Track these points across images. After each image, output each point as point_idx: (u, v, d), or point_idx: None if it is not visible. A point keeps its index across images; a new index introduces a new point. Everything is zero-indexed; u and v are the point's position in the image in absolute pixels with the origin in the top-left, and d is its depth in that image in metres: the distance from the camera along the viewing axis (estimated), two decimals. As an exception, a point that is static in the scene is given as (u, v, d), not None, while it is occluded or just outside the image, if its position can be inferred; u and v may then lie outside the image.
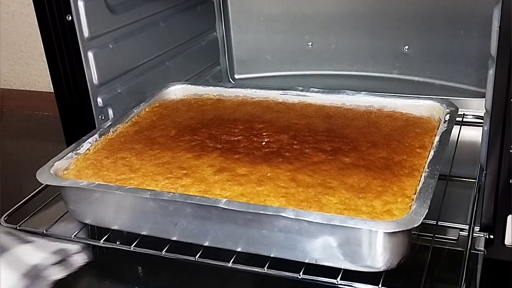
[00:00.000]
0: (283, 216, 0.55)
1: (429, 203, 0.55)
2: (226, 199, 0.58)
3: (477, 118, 0.95)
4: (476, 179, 0.73)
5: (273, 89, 0.85)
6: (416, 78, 1.09)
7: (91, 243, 0.70)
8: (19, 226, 0.71)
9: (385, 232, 0.53)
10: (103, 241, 0.67)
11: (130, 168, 0.67)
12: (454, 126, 0.80)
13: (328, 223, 0.54)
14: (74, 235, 0.69)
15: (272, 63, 1.19)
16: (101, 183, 0.64)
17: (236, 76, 1.22)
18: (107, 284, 0.71)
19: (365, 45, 1.11)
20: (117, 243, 0.67)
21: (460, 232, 0.69)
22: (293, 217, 0.55)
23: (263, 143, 0.70)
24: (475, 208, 0.67)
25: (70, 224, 0.71)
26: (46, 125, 1.24)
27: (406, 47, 1.07)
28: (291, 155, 0.66)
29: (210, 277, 0.67)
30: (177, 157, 0.69)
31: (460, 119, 0.88)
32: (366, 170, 0.62)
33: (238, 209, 0.57)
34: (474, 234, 0.69)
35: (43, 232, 0.70)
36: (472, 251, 0.65)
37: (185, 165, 0.66)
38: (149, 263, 0.70)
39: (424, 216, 0.53)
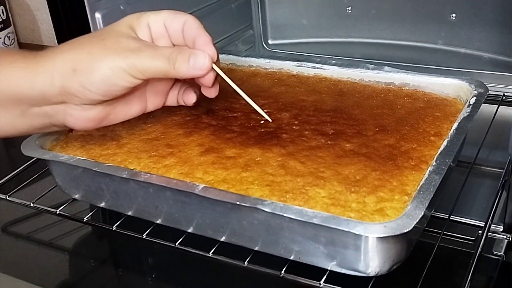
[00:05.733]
0: (259, 209, 0.49)
1: (427, 204, 0.47)
2: (203, 185, 0.53)
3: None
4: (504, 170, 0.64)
5: (288, 60, 0.78)
6: (462, 50, 0.98)
7: (74, 218, 0.66)
8: (8, 196, 0.69)
9: (371, 236, 0.46)
10: (87, 218, 0.64)
11: (118, 142, 0.63)
12: (491, 104, 0.71)
13: (306, 220, 0.47)
14: (60, 210, 0.66)
15: (308, 28, 1.11)
16: (81, 158, 0.60)
17: (270, 42, 1.15)
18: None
19: (408, 12, 1.01)
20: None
21: (479, 232, 0.60)
22: (269, 211, 0.49)
23: (262, 121, 0.63)
24: (495, 204, 0.59)
25: (60, 198, 0.68)
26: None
27: (453, 15, 0.97)
28: (287, 137, 0.60)
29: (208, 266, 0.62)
30: (168, 132, 0.63)
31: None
32: (366, 159, 0.55)
33: (213, 197, 0.51)
34: (495, 235, 0.61)
35: (30, 204, 0.67)
36: (486, 254, 0.57)
37: (173, 143, 0.61)
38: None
39: (418, 220, 0.46)
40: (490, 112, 0.75)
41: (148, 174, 0.56)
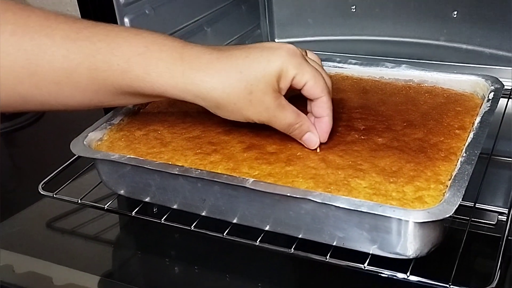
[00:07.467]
0: (308, 199, 0.54)
1: (463, 191, 0.52)
2: (253, 179, 0.58)
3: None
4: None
5: (310, 60, 0.82)
6: (464, 46, 1.04)
7: (123, 213, 0.70)
8: (55, 194, 0.72)
9: (414, 222, 0.51)
10: (135, 212, 0.68)
11: (161, 141, 0.67)
12: (501, 99, 0.76)
13: (355, 209, 0.52)
14: (108, 206, 0.70)
15: (314, 27, 1.16)
16: (132, 156, 0.64)
17: (277, 40, 1.20)
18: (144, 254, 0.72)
19: (411, 10, 1.06)
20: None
21: (499, 217, 0.66)
22: (319, 201, 0.53)
23: (296, 118, 0.68)
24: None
25: (105, 194, 0.72)
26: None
27: (455, 12, 1.02)
28: (323, 133, 0.65)
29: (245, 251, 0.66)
30: (208, 131, 0.68)
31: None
32: (399, 152, 0.60)
33: (264, 190, 0.56)
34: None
35: (78, 201, 0.71)
36: (510, 237, 0.63)
37: (215, 140, 0.66)
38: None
39: (457, 206, 0.51)
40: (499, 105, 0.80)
41: (199, 170, 0.60)
